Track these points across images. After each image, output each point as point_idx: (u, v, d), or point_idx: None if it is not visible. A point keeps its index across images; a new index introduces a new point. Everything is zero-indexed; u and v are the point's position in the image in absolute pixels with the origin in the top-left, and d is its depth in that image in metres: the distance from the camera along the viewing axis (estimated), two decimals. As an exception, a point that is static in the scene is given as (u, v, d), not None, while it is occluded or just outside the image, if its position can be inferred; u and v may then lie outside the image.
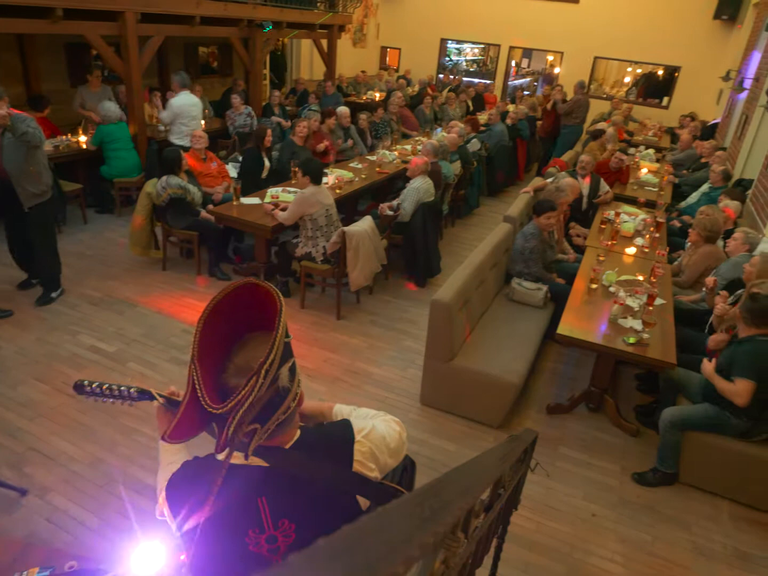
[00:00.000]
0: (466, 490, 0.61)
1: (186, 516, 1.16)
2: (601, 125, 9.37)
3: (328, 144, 7.03)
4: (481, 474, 0.82)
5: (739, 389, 3.01)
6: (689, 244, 4.84)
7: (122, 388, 1.48)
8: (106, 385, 1.47)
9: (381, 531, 0.34)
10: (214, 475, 1.15)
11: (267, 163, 6.04)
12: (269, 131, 6.02)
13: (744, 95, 8.63)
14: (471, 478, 0.68)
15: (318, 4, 9.71)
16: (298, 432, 1.23)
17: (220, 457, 1.10)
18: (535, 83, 17.01)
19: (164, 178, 5.00)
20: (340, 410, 1.50)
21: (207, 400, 1.01)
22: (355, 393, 3.95)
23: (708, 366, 3.24)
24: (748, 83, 8.49)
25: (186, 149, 5.81)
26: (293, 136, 6.46)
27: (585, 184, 6.19)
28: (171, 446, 1.50)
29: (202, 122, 7.26)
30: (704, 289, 4.14)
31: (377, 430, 1.30)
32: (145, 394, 1.49)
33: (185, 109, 6.56)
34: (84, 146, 6.43)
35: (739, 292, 3.70)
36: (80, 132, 6.63)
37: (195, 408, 1.03)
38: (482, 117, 10.25)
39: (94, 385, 1.46)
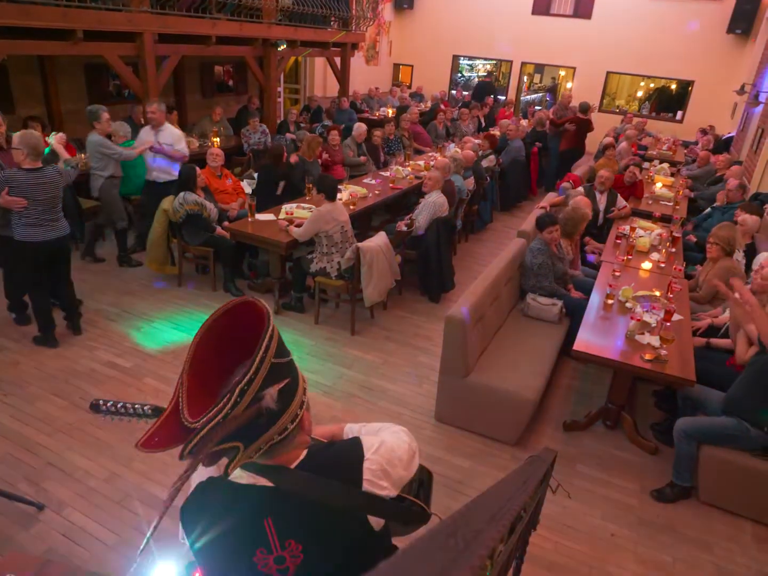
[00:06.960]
0: (494, 517, 0.60)
1: (197, 536, 1.17)
2: (608, 140, 9.35)
3: (327, 157, 7.11)
4: (506, 499, 0.81)
5: None
6: (707, 258, 4.79)
7: (137, 405, 1.50)
8: (121, 404, 1.49)
9: (416, 570, 0.34)
10: (223, 495, 1.16)
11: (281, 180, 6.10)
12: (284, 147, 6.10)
13: (759, 109, 8.58)
14: (497, 504, 0.68)
15: (331, 23, 9.86)
16: (305, 452, 1.22)
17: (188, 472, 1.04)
18: (548, 98, 17.08)
19: (181, 194, 5.06)
20: (351, 429, 1.48)
21: (186, 413, 1.01)
22: (370, 409, 3.93)
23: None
24: (763, 97, 8.44)
25: None
26: (303, 153, 6.53)
27: (602, 199, 6.20)
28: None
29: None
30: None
31: (387, 444, 1.28)
32: (159, 412, 1.52)
33: None
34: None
35: None
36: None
37: (175, 421, 1.03)
38: (495, 132, 10.28)
39: (109, 404, 1.49)
